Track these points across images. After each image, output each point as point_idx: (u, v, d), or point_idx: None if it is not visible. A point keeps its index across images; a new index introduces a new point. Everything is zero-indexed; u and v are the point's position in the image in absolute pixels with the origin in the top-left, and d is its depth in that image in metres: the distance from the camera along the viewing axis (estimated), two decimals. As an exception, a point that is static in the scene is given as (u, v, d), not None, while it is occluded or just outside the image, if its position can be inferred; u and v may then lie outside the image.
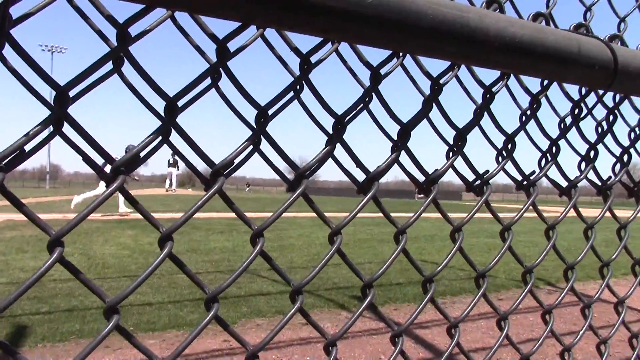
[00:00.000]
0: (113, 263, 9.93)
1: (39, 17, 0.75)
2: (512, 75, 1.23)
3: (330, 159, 0.99)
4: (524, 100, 1.29)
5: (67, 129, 0.78)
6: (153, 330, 5.82)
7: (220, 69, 0.89)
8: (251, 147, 0.91)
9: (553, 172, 1.32)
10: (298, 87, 0.98)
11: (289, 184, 0.95)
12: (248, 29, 0.88)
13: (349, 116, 1.01)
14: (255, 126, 0.92)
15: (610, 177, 1.44)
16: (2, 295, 7.09)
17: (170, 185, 31.22)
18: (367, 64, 1.07)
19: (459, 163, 1.17)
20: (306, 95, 0.99)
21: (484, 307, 7.42)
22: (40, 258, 10.07)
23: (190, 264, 9.59)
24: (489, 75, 1.18)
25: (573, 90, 1.35)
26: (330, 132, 1.01)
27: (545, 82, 1.27)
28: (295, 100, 0.98)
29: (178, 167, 31.77)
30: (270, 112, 0.93)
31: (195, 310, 6.66)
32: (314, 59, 0.98)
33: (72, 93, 0.77)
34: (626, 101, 1.45)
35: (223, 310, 6.61)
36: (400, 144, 1.06)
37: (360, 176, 1.04)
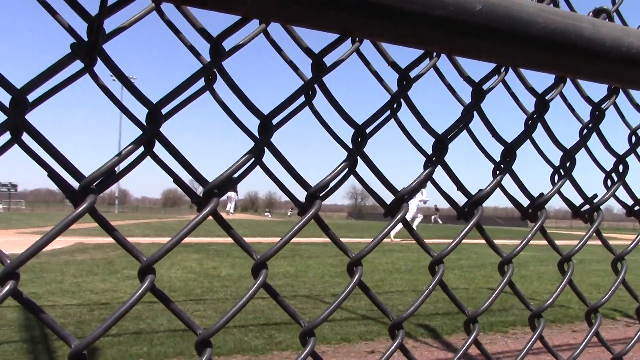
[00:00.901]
0: (179, 286, 10.06)
1: (110, 49, 0.71)
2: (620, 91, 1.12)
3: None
4: (634, 119, 1.17)
5: (158, 149, 0.73)
6: (219, 355, 5.82)
7: (315, 85, 0.83)
8: (347, 169, 0.84)
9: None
10: (395, 105, 0.90)
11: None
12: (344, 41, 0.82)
13: (450, 135, 0.93)
14: (351, 146, 0.86)
15: None
16: (74, 316, 7.27)
17: (230, 210, 31.77)
18: (468, 79, 0.99)
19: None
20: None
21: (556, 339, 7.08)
22: (110, 281, 10.31)
23: (254, 289, 9.59)
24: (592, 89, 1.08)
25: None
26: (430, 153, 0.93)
27: None
28: (392, 120, 0.91)
29: (237, 192, 32.13)
30: (367, 130, 0.86)
31: (260, 335, 6.62)
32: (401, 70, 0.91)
33: (164, 111, 0.73)
34: None
35: (287, 336, 6.55)
36: (504, 165, 0.98)
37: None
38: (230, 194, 30.82)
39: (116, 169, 0.70)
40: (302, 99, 0.83)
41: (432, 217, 73.35)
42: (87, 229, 20.82)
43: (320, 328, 5.46)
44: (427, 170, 0.90)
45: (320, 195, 0.82)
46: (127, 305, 0.67)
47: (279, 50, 0.86)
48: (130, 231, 25.60)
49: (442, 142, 0.92)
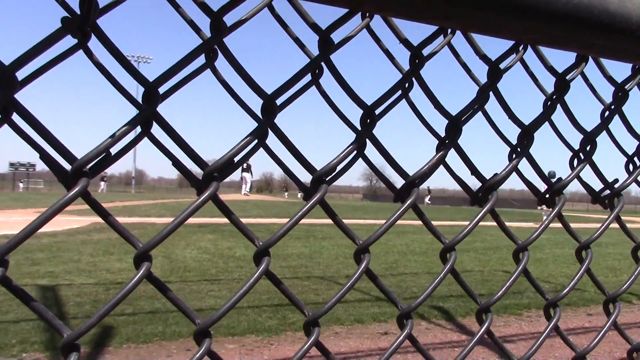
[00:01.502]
0: (194, 267, 10.12)
1: (125, 29, 0.68)
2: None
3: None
4: None
5: (155, 130, 0.70)
6: (233, 335, 5.85)
7: (323, 63, 0.79)
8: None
9: None
10: (407, 84, 0.86)
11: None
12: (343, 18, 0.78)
13: (464, 117, 0.88)
14: (360, 128, 0.82)
15: None
16: (90, 295, 7.34)
17: (246, 189, 32.02)
18: (484, 58, 0.93)
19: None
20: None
21: (573, 322, 7.03)
22: (126, 260, 10.39)
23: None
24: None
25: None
26: (443, 135, 0.88)
27: None
28: (403, 100, 0.86)
29: (252, 173, 32.30)
30: (377, 111, 0.82)
31: (274, 316, 6.64)
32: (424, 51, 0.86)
33: (162, 90, 0.69)
34: None
35: (301, 317, 6.54)
36: (520, 148, 0.93)
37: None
38: (245, 175, 30.97)
39: (112, 150, 0.66)
40: (308, 77, 0.79)
41: (425, 199, 73.56)
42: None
43: (334, 309, 5.46)
44: (439, 154, 0.85)
45: (327, 179, 0.78)
46: (122, 294, 0.64)
47: (284, 26, 0.82)
48: (146, 211, 25.78)
49: (455, 124, 0.87)
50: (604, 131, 1.06)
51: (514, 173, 0.95)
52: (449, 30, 0.88)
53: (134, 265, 0.66)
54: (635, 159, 1.11)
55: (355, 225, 20.60)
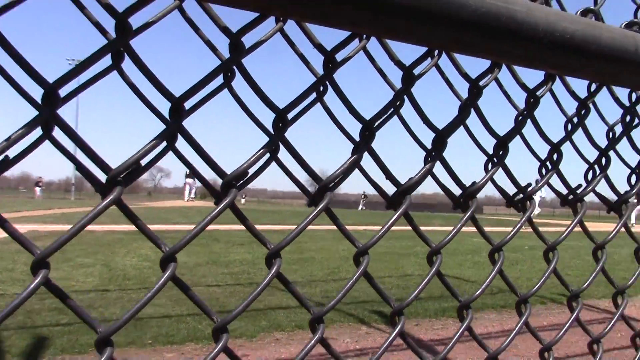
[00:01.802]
0: (134, 275, 9.88)
1: (63, 32, 0.69)
2: (557, 77, 1.11)
3: (356, 170, 0.87)
4: (571, 106, 1.16)
5: (57, 133, 0.68)
6: (172, 344, 5.73)
7: (234, 66, 0.79)
8: (268, 155, 0.80)
9: (601, 186, 1.19)
10: (322, 88, 0.87)
11: (310, 198, 0.83)
12: (266, 22, 0.78)
13: (379, 121, 0.90)
14: (272, 132, 0.81)
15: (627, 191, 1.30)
16: (23, 306, 7.05)
17: (190, 195, 32.01)
18: (398, 64, 0.95)
19: (499, 175, 1.05)
20: (331, 97, 0.88)
21: (509, 324, 7.23)
22: (63, 269, 10.06)
23: (210, 276, 9.50)
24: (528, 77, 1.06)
25: (623, 95, 1.24)
26: (357, 139, 0.89)
27: (594, 86, 1.15)
28: (318, 104, 0.87)
29: (195, 179, 32.71)
30: (290, 115, 0.82)
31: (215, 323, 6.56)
32: (339, 56, 0.87)
33: (63, 92, 0.67)
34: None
35: (241, 323, 6.49)
36: (435, 153, 0.95)
37: (390, 189, 0.92)
38: (189, 180, 30.89)
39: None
40: (220, 80, 0.79)
41: (360, 205, 74.77)
42: (42, 216, 20.27)
43: (275, 315, 5.44)
44: (352, 158, 0.86)
45: (238, 184, 0.77)
46: (16, 302, 0.62)
47: (196, 28, 0.81)
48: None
49: (369, 128, 0.88)
50: (568, 141, 1.11)
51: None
52: (364, 36, 0.89)
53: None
54: (596, 166, 1.19)
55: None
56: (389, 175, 0.92)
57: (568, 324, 1.12)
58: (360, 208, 72.48)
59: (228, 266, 11.04)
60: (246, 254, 13.09)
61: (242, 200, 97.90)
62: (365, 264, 0.91)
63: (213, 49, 0.82)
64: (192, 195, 32.09)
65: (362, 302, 8.02)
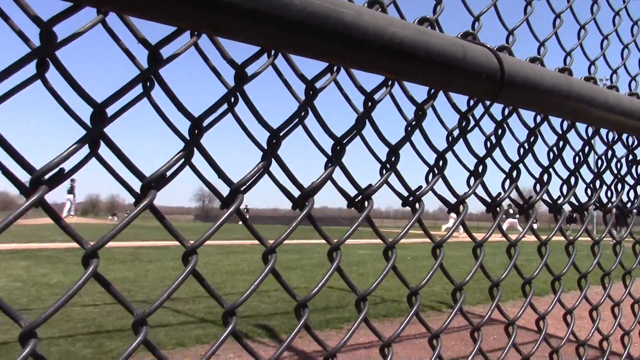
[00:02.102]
0: (2, 296, 9.20)
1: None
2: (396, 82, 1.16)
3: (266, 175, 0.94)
4: (411, 111, 1.21)
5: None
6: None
7: (153, 76, 0.84)
8: (183, 160, 0.85)
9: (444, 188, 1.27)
10: (233, 99, 0.93)
11: (222, 200, 0.90)
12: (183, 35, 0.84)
13: (284, 130, 0.97)
14: (188, 137, 0.87)
15: (500, 194, 1.39)
16: None
17: (70, 211, 30.67)
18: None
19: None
20: (242, 108, 0.95)
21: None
22: None
23: (87, 296, 9.07)
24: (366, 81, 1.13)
25: (462, 102, 1.31)
26: (265, 147, 0.97)
27: (433, 90, 1.21)
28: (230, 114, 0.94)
29: (75, 194, 31.70)
30: (205, 123, 0.89)
31: (89, 344, 6.27)
32: (250, 70, 0.93)
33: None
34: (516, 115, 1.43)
35: (118, 344, 6.27)
36: (335, 159, 1.04)
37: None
38: (69, 196, 29.68)
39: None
40: (139, 89, 0.84)
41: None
42: None
43: (155, 333, 5.27)
44: (260, 163, 0.94)
45: (155, 185, 0.82)
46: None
47: (116, 40, 0.86)
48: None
49: (197, 126, 0.89)
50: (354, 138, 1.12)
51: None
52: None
53: None
54: (435, 169, 1.24)
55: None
56: (293, 180, 1.00)
57: (407, 320, 1.20)
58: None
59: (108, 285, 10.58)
60: (127, 272, 12.63)
61: (115, 218, 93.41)
62: (273, 262, 0.97)
63: (132, 58, 0.86)
64: (72, 212, 30.65)
65: (246, 316, 8.01)
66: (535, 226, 1.60)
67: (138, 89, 0.83)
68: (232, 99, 0.93)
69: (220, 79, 0.94)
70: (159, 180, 0.82)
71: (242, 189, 0.90)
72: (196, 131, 0.88)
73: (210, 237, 0.88)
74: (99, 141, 0.78)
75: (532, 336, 1.53)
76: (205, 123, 0.88)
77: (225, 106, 0.92)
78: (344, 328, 7.55)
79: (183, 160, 0.86)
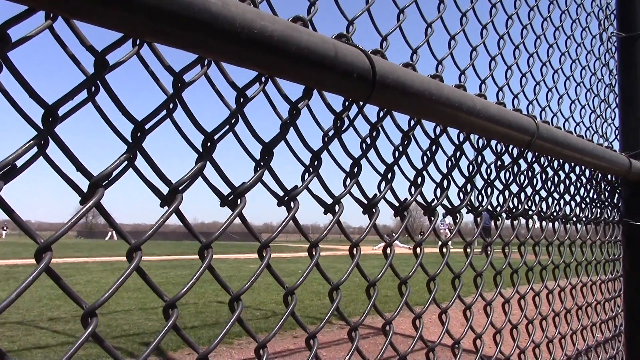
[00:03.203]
0: None
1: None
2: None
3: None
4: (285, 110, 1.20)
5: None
6: None
7: (98, 81, 0.87)
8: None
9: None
10: (171, 105, 0.98)
11: (161, 199, 0.94)
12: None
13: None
14: (130, 141, 0.91)
15: (375, 195, 1.41)
16: None
17: None
18: (233, 85, 1.07)
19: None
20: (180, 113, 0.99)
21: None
22: None
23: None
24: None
25: (339, 104, 1.30)
26: (201, 149, 1.02)
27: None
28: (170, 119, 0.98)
29: None
30: (147, 126, 0.93)
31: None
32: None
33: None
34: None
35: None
36: (263, 162, 1.10)
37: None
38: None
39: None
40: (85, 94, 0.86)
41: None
42: None
43: (32, 356, 4.92)
44: (197, 165, 1.00)
45: (104, 183, 0.86)
46: None
47: (63, 46, 0.87)
48: None
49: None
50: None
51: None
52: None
53: None
54: (310, 169, 1.22)
55: (67, 264, 19.26)
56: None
57: (283, 319, 1.17)
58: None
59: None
60: (0, 292, 11.82)
61: (3, 234, 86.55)
62: (210, 258, 1.02)
63: (77, 63, 0.88)
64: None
65: (132, 335, 7.76)
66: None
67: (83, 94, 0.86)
68: (171, 106, 0.97)
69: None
70: (107, 179, 0.86)
71: (180, 188, 0.96)
72: (139, 134, 0.92)
73: (145, 241, 0.93)
74: (48, 141, 0.80)
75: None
76: (147, 126, 0.93)
77: (163, 112, 0.97)
78: (234, 343, 7.45)
79: (126, 162, 0.89)
